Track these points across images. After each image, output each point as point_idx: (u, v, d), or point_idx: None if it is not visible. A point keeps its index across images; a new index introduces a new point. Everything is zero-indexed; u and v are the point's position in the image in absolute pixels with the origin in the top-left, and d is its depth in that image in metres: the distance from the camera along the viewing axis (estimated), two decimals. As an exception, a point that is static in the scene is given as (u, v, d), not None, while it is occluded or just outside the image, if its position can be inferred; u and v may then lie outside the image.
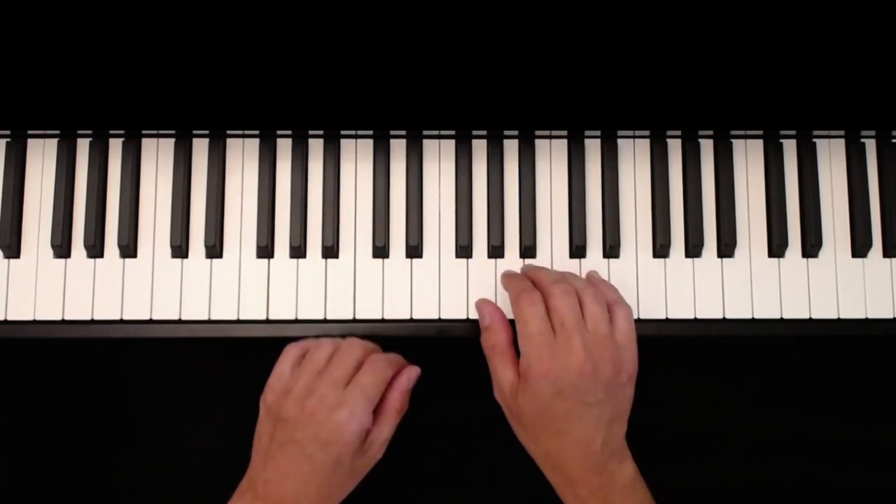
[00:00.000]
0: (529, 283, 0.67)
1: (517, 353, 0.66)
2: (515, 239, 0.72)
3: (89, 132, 0.73)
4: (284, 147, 0.73)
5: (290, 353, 0.68)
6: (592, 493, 0.63)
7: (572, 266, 0.71)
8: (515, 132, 0.73)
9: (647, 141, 0.73)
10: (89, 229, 0.71)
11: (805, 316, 0.71)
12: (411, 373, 0.68)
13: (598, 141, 0.73)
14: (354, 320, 0.71)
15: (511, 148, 0.73)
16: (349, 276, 0.71)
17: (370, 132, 0.73)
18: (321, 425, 0.63)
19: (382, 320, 0.71)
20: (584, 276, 0.71)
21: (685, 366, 0.76)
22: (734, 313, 0.71)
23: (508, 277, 0.69)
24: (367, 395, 0.64)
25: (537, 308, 0.64)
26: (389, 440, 0.67)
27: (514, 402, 0.65)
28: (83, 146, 0.72)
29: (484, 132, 0.73)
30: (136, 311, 0.70)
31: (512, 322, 0.67)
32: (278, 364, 0.67)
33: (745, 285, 0.71)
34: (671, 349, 0.76)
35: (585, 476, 0.63)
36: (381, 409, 0.66)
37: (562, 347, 0.63)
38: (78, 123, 0.72)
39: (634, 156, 0.73)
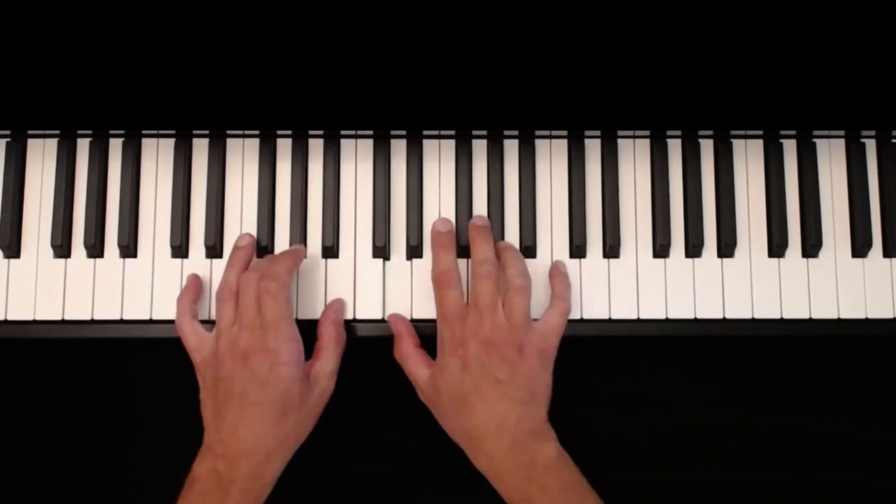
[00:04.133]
0: (451, 261, 0.68)
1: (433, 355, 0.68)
2: (516, 239, 0.72)
3: (89, 132, 0.73)
4: (284, 147, 0.73)
5: (188, 326, 0.68)
6: (514, 472, 0.64)
7: (572, 266, 0.71)
8: (515, 132, 0.73)
9: (647, 141, 0.73)
10: (89, 229, 0.71)
11: (805, 316, 0.71)
12: (337, 304, 0.70)
13: (598, 141, 0.73)
14: (354, 320, 0.71)
15: (511, 148, 0.73)
16: (349, 275, 0.71)
17: (370, 132, 0.73)
18: (255, 369, 0.64)
19: (382, 320, 0.71)
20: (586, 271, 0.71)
21: (684, 366, 0.76)
22: (734, 313, 0.71)
23: (436, 248, 0.69)
24: (277, 326, 0.65)
25: (453, 291, 0.67)
26: (337, 372, 0.68)
27: (432, 390, 0.67)
28: (83, 146, 0.72)
29: (484, 132, 0.73)
30: (136, 311, 0.70)
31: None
32: (187, 339, 0.68)
33: (745, 285, 0.71)
34: (671, 349, 0.76)
35: (505, 455, 0.64)
36: (318, 345, 0.68)
37: (472, 325, 0.65)
38: (78, 123, 0.72)
39: (634, 156, 0.73)
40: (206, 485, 0.64)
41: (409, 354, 0.69)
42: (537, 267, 0.71)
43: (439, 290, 0.67)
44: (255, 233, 0.71)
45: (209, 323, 0.70)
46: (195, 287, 0.70)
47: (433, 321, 0.70)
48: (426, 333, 0.70)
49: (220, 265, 0.71)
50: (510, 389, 0.64)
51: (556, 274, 0.70)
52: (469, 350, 0.65)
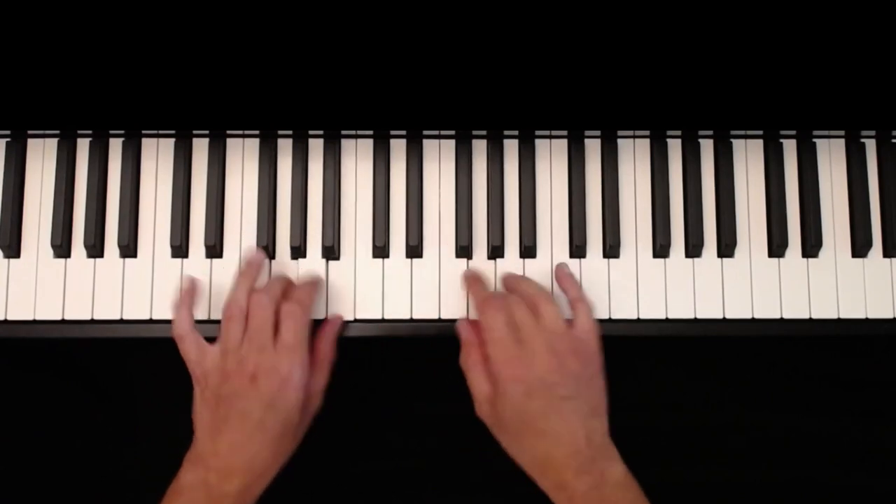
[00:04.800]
0: (488, 288, 0.68)
1: None
2: (515, 239, 0.72)
3: (89, 132, 0.73)
4: (284, 147, 0.73)
5: (190, 338, 0.67)
6: (585, 493, 0.62)
7: (572, 266, 0.71)
8: (515, 132, 0.73)
9: (647, 141, 0.73)
10: (89, 229, 0.71)
11: (805, 316, 0.71)
12: (336, 322, 0.70)
13: (598, 141, 0.73)
14: (355, 320, 0.71)
15: (511, 148, 0.73)
16: (349, 275, 0.71)
17: (370, 132, 0.73)
18: (262, 390, 0.63)
19: (382, 320, 0.71)
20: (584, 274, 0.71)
21: (685, 366, 0.76)
22: (734, 313, 0.71)
23: (471, 283, 0.69)
24: (294, 350, 0.65)
25: (502, 314, 0.65)
26: (326, 388, 0.68)
27: (493, 412, 0.66)
28: (83, 146, 0.72)
29: (484, 132, 0.73)
30: (136, 311, 0.70)
31: None
32: (188, 352, 0.67)
33: (745, 285, 0.71)
34: (671, 349, 0.76)
35: (576, 476, 0.63)
36: (314, 361, 0.67)
37: (526, 349, 0.64)
38: (78, 123, 0.72)
39: (634, 156, 0.73)
40: (194, 495, 0.63)
41: (475, 363, 0.67)
42: (538, 268, 0.72)
43: (485, 313, 0.66)
44: (255, 232, 0.71)
45: (208, 322, 0.70)
46: (192, 294, 0.69)
47: (434, 321, 0.71)
48: (428, 334, 0.70)
49: (219, 265, 0.71)
50: (576, 405, 0.63)
51: (563, 276, 0.70)
52: (528, 372, 0.63)
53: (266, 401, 0.63)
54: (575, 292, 0.68)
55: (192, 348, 0.67)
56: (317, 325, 0.70)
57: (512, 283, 0.69)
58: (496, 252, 0.72)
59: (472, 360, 0.67)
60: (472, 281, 0.70)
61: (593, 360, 0.65)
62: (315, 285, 0.69)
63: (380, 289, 0.71)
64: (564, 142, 0.73)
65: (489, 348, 0.65)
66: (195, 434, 0.66)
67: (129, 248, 0.71)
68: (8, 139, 0.72)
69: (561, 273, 0.70)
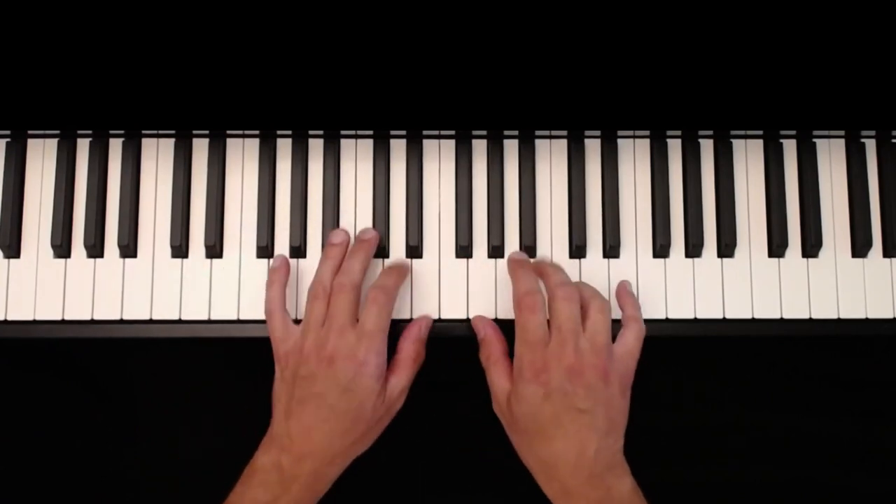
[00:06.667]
0: (534, 283, 0.67)
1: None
2: (515, 239, 0.72)
3: (89, 132, 0.73)
4: (284, 147, 0.73)
5: (278, 316, 0.68)
6: None
7: (572, 266, 0.71)
8: (515, 132, 0.73)
9: (647, 141, 0.73)
10: (89, 229, 0.71)
11: (805, 316, 0.71)
12: (423, 322, 0.69)
13: (598, 141, 0.73)
14: (354, 320, 0.71)
15: (511, 148, 0.73)
16: (349, 276, 0.71)
17: (370, 132, 0.73)
18: (339, 374, 0.63)
19: (382, 320, 0.71)
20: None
21: (684, 366, 0.76)
22: (734, 313, 0.71)
23: (516, 268, 0.69)
24: (374, 336, 0.65)
25: (537, 315, 0.65)
26: (408, 389, 0.68)
27: (508, 409, 0.66)
28: (83, 146, 0.72)
29: (484, 132, 0.73)
30: (136, 311, 0.70)
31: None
32: (274, 330, 0.68)
33: (745, 285, 0.71)
34: (671, 349, 0.76)
35: (580, 487, 0.63)
36: (396, 359, 0.67)
37: (555, 351, 0.64)
38: (78, 123, 0.72)
39: (634, 156, 0.73)
40: (267, 476, 0.64)
41: (496, 361, 0.67)
42: (537, 267, 0.71)
43: (523, 313, 0.65)
44: (255, 232, 0.71)
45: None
46: (283, 272, 0.69)
47: (435, 321, 0.70)
48: (429, 334, 0.70)
49: (220, 265, 0.71)
50: (591, 420, 0.63)
51: (624, 293, 0.70)
52: (551, 378, 0.63)
53: (341, 385, 0.63)
54: (632, 311, 0.69)
55: (278, 326, 0.67)
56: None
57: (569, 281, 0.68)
58: (496, 252, 0.72)
59: (493, 357, 0.67)
60: (518, 266, 0.69)
61: (621, 381, 0.65)
62: (402, 272, 0.69)
63: (380, 289, 0.71)
64: (564, 142, 0.73)
65: (518, 346, 0.65)
66: (272, 416, 0.66)
67: (129, 248, 0.71)
68: (8, 139, 0.72)
69: (622, 290, 0.70)
